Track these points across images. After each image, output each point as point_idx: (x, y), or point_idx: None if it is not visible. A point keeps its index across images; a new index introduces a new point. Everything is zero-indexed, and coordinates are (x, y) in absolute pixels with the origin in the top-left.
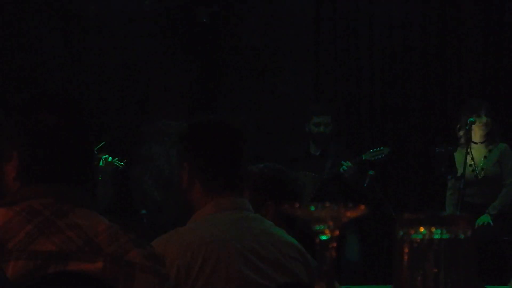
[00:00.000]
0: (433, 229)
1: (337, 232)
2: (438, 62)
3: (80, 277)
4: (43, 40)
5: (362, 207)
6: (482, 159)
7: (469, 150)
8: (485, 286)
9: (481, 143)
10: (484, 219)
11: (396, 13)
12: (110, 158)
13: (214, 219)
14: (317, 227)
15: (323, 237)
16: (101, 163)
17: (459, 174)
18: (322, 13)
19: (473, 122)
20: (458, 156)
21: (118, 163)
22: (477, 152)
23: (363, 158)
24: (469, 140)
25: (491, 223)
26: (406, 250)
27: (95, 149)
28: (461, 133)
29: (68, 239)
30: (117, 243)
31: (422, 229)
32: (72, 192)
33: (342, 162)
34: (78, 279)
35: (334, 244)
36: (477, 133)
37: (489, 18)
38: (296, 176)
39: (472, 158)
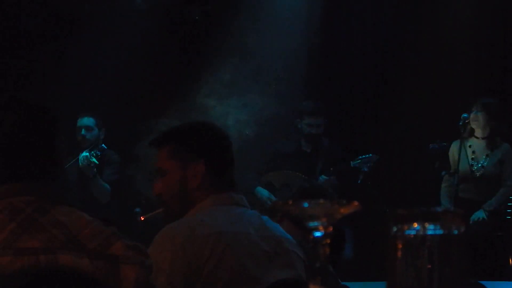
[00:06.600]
0: (427, 225)
1: (330, 229)
2: (433, 58)
3: (73, 275)
4: (36, 38)
5: (356, 203)
6: (484, 156)
7: (469, 145)
8: (479, 282)
9: (483, 139)
10: (479, 214)
11: (387, 15)
12: (91, 156)
13: (218, 212)
14: (311, 224)
15: (317, 234)
16: (80, 163)
17: (452, 170)
18: (314, 13)
19: (466, 118)
20: (453, 150)
21: (94, 160)
22: (479, 148)
23: (352, 165)
24: (465, 135)
25: (486, 219)
26: (400, 246)
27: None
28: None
29: (53, 236)
30: (100, 238)
31: (415, 225)
32: (49, 189)
33: (321, 178)
34: (71, 277)
35: (328, 241)
36: (478, 129)
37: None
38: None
39: (474, 152)
